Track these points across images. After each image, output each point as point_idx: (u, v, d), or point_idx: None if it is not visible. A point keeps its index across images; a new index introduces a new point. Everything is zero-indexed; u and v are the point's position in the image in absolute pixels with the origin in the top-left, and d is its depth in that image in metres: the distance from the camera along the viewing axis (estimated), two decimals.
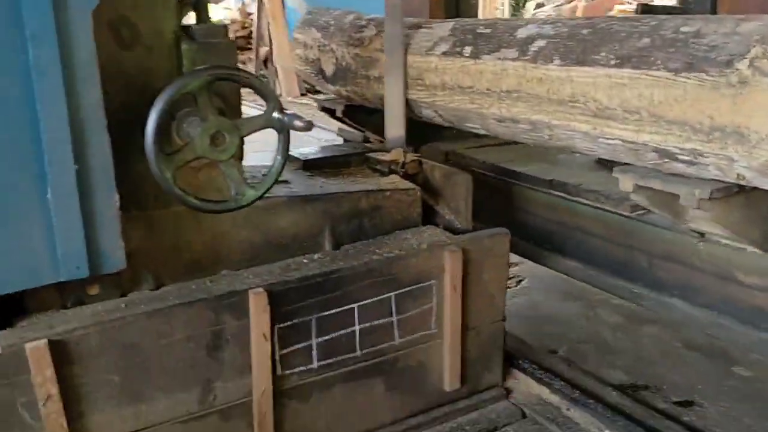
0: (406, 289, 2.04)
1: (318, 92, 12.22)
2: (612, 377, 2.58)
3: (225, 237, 1.94)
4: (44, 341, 1.53)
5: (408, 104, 2.57)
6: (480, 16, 3.31)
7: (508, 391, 2.35)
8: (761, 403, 2.41)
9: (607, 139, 1.87)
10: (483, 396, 2.28)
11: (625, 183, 1.88)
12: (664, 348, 2.84)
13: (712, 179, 1.69)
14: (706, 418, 2.29)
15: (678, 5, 3.53)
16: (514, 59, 2.10)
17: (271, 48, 11.23)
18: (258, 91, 1.65)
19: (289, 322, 1.85)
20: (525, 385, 2.37)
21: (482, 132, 2.40)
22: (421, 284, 2.06)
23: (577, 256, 2.39)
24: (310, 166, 2.42)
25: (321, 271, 1.91)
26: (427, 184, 2.41)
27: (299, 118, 1.61)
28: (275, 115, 1.66)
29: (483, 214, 2.57)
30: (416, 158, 2.44)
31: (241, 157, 1.79)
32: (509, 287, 3.38)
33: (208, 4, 1.78)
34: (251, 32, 12.10)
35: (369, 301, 1.98)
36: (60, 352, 1.55)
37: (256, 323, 1.78)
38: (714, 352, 2.70)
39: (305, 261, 2.01)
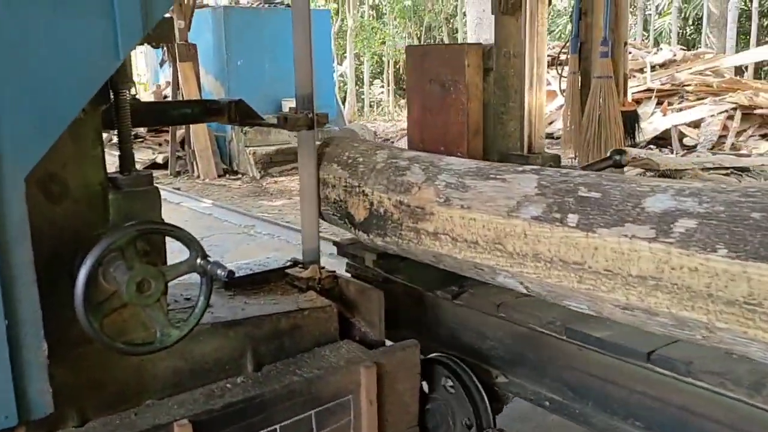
0: (326, 406, 2.17)
1: (235, 173, 12.26)
2: None
3: (149, 367, 2.03)
4: None
5: (475, 266, 2.23)
6: (526, 146, 2.98)
7: None
8: None
9: None
10: None
11: None
12: None
13: None
14: None
15: None
16: (650, 240, 1.70)
17: (187, 131, 11.32)
18: (181, 241, 1.79)
19: None
20: None
21: (588, 313, 2.00)
22: (340, 400, 2.20)
23: None
24: (232, 284, 2.54)
25: (244, 397, 2.01)
26: (343, 298, 2.58)
27: (222, 267, 1.76)
28: (199, 261, 1.79)
29: (549, 383, 2.31)
30: (331, 273, 2.61)
31: (165, 294, 1.90)
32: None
33: (134, 155, 1.92)
34: None
35: (290, 421, 2.10)
36: None
37: None
38: None
39: (228, 386, 2.11)
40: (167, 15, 1.94)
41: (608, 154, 3.18)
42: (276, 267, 2.70)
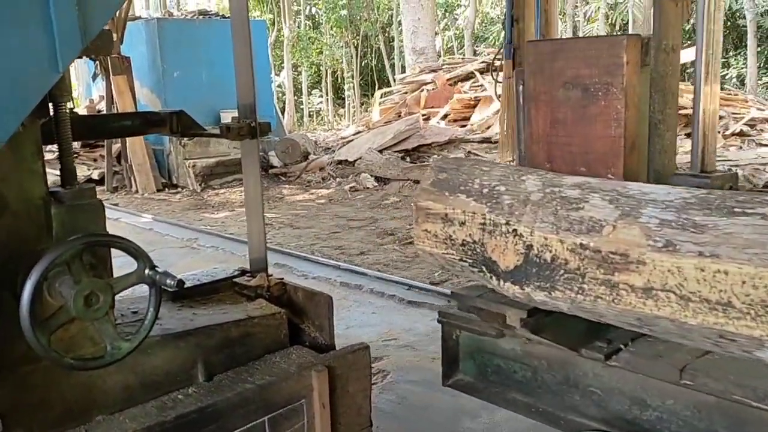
0: (278, 411, 2.18)
1: (175, 187, 12.07)
2: None
3: (97, 383, 2.00)
4: None
5: (721, 336, 1.71)
6: (699, 162, 2.47)
7: None
8: None
9: None
10: None
11: None
12: None
13: None
14: None
15: None
16: None
17: (123, 145, 11.08)
18: (128, 252, 1.78)
19: None
20: None
21: None
22: (292, 405, 2.21)
23: None
24: (179, 296, 2.52)
25: (197, 407, 2.00)
26: (292, 305, 2.60)
27: (171, 276, 1.76)
28: (147, 272, 1.79)
29: None
30: (279, 281, 2.63)
31: (113, 307, 1.89)
32: (375, 383, 3.60)
33: (75, 168, 1.90)
34: None
35: (244, 428, 2.10)
36: None
37: None
38: None
39: (180, 397, 2.11)
40: (105, 27, 1.94)
41: None
42: (224, 277, 2.69)
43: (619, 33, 23.12)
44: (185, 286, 2.52)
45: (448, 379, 2.63)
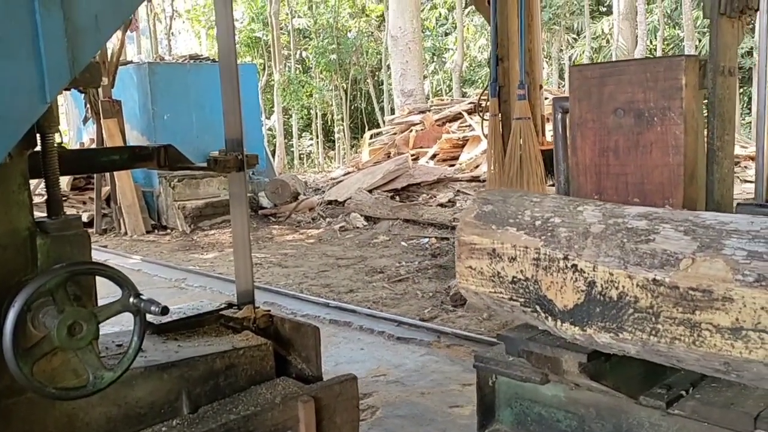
0: None
1: (164, 228, 12.01)
2: None
3: (80, 415, 1.98)
4: None
5: None
6: (765, 191, 2.38)
7: None
8: None
9: None
10: None
11: None
12: None
13: None
14: None
15: None
16: None
17: (113, 186, 11.10)
18: (112, 280, 1.78)
19: None
20: None
21: None
22: None
23: None
24: (164, 329, 2.51)
25: None
26: (279, 336, 2.59)
27: (155, 303, 1.76)
28: (131, 300, 1.79)
29: None
30: (266, 312, 2.63)
31: (97, 338, 1.88)
32: (364, 419, 3.57)
33: (62, 199, 1.92)
34: None
35: None
36: None
37: None
38: None
39: (164, 429, 2.08)
40: (95, 60, 1.97)
41: None
42: (210, 309, 2.69)
43: None
44: (171, 317, 2.55)
45: (483, 429, 2.48)
